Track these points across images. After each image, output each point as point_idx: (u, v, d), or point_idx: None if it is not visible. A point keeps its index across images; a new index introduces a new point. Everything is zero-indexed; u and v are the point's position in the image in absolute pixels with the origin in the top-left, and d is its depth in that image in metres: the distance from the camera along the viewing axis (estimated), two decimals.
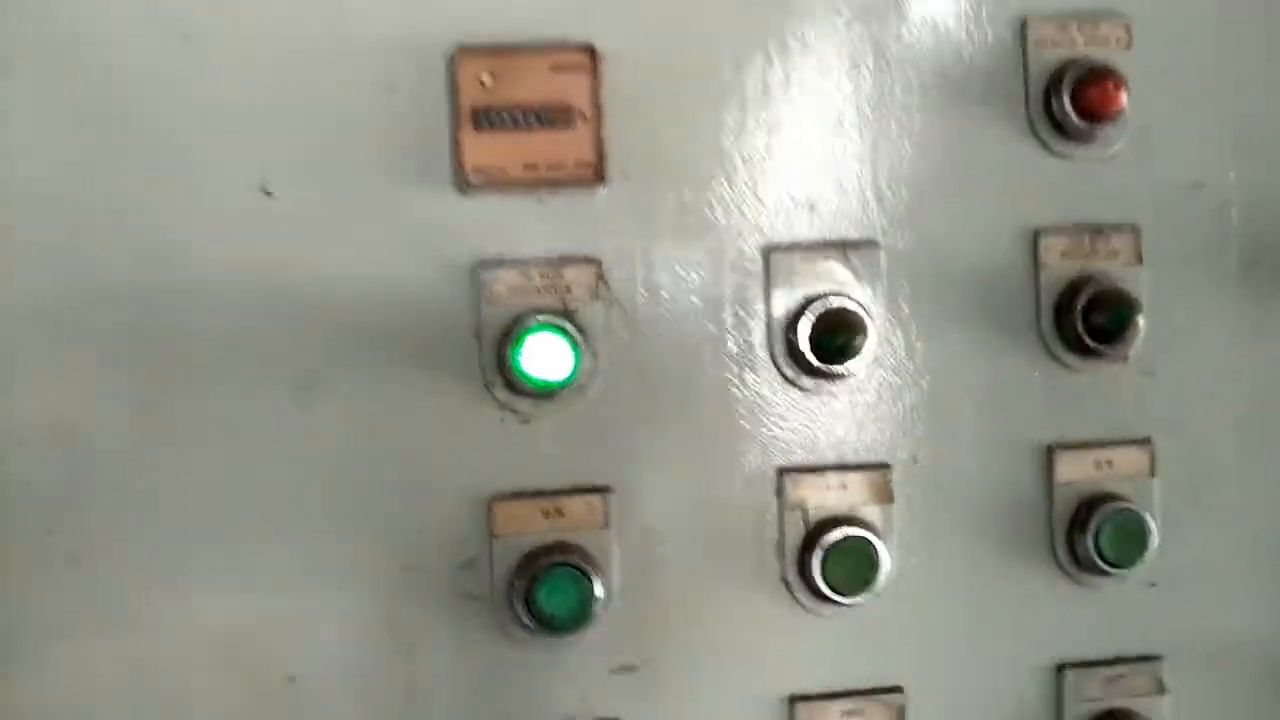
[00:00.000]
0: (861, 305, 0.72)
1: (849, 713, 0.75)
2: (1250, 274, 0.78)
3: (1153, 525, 0.75)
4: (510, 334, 0.69)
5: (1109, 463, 0.77)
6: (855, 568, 0.73)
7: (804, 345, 0.72)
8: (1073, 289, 0.75)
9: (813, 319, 0.71)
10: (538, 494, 0.71)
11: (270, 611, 0.69)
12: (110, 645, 0.67)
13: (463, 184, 0.69)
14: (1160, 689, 0.78)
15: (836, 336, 0.71)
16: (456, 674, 0.71)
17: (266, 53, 0.68)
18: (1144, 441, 0.77)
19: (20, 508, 0.66)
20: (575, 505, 0.72)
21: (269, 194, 0.67)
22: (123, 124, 0.66)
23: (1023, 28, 0.75)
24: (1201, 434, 0.78)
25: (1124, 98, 0.74)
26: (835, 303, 0.72)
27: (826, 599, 0.73)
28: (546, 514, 0.72)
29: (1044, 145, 0.75)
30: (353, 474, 0.69)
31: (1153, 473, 0.77)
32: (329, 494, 0.69)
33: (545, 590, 0.70)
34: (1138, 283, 0.76)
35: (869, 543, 0.73)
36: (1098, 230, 0.76)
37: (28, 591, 0.66)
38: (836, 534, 0.72)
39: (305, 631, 0.69)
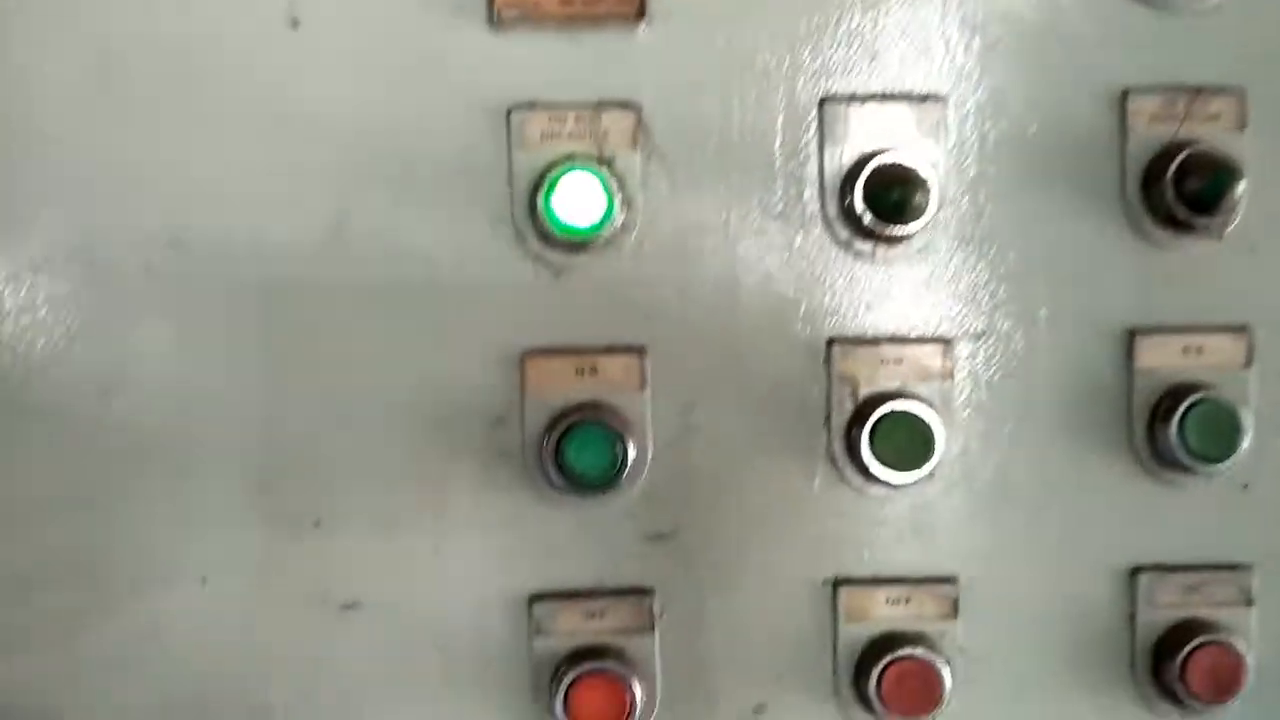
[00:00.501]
0: (924, 162, 0.66)
1: (896, 600, 0.69)
2: None
3: (1246, 418, 0.67)
4: (543, 179, 0.65)
5: (1198, 350, 0.68)
6: (906, 443, 0.66)
7: (859, 202, 0.65)
8: (1165, 155, 0.67)
9: (869, 173, 0.65)
10: (572, 351, 0.67)
11: (297, 458, 0.67)
12: None
13: (495, 19, 0.65)
14: (1247, 600, 0.69)
15: (893, 191, 0.64)
16: (486, 532, 0.68)
17: None
18: (1240, 329, 0.68)
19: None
20: (610, 364, 0.67)
21: (296, 25, 0.65)
22: None
23: None
24: None
25: None
26: (894, 157, 0.65)
27: (875, 478, 0.67)
28: (580, 372, 0.67)
29: None
30: (381, 323, 0.67)
31: (1248, 362, 0.68)
32: (357, 341, 0.67)
33: (575, 447, 0.66)
34: (1239, 150, 0.67)
35: (921, 419, 0.66)
36: (1196, 91, 0.68)
37: None
38: (887, 407, 0.66)
39: (334, 478, 0.67)
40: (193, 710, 0.67)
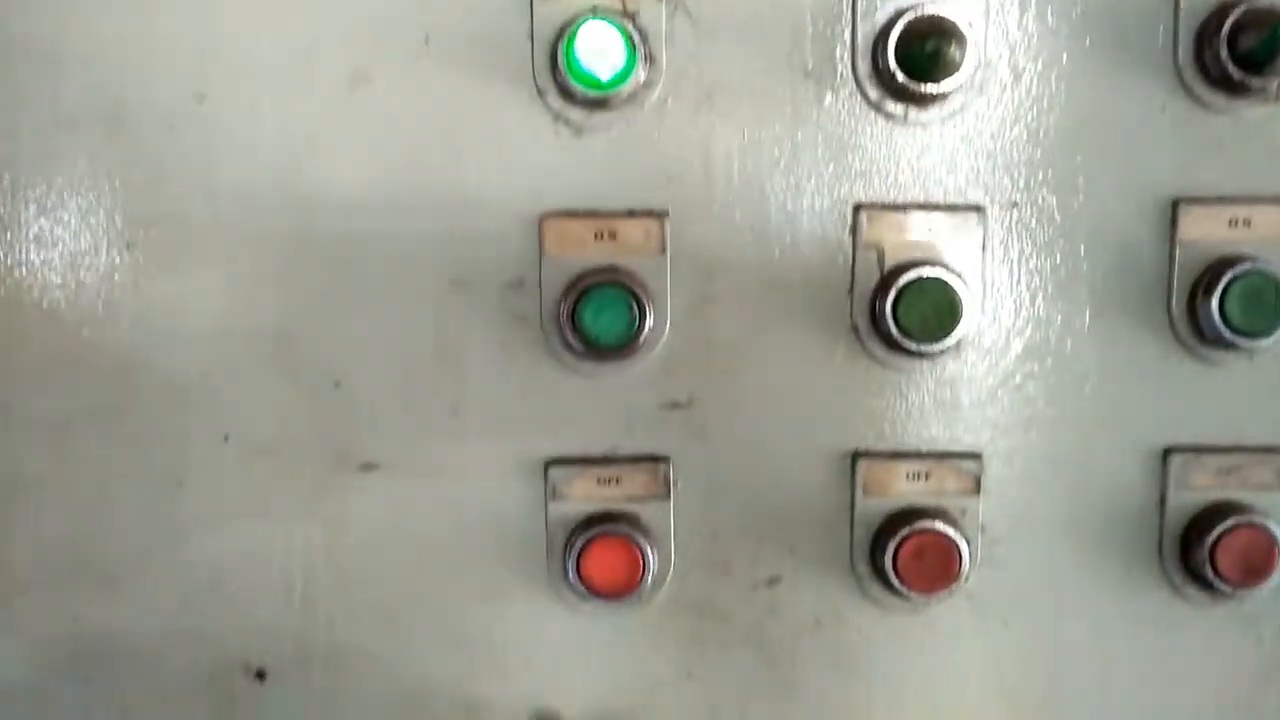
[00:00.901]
0: (961, 16, 0.61)
1: (916, 475, 0.66)
2: None
3: None
4: (563, 31, 0.62)
5: (1246, 221, 0.64)
6: (932, 313, 0.63)
7: (891, 57, 0.61)
8: (1219, 11, 0.62)
9: (904, 26, 0.61)
10: (591, 215, 0.65)
11: (316, 319, 0.66)
12: None
13: None
14: None
15: (927, 43, 0.60)
16: (503, 395, 0.66)
17: None
18: None
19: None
20: (630, 228, 0.65)
21: None
22: None
23: None
24: None
25: None
26: (930, 8, 0.61)
27: (899, 347, 0.64)
28: (599, 236, 0.65)
29: None
30: (399, 179, 0.65)
31: None
32: (375, 201, 0.65)
33: (592, 310, 0.63)
34: None
35: (948, 285, 0.63)
36: None
37: None
38: (913, 274, 0.63)
39: (352, 340, 0.66)
40: (212, 569, 0.67)
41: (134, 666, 0.67)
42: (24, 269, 0.64)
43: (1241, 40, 0.61)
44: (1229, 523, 0.64)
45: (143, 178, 0.64)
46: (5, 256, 0.64)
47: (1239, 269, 0.62)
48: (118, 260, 0.64)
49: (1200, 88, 0.63)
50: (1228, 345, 0.63)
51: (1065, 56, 0.63)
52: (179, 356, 0.65)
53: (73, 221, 0.64)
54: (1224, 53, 0.61)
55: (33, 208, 0.64)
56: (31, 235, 0.64)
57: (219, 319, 0.65)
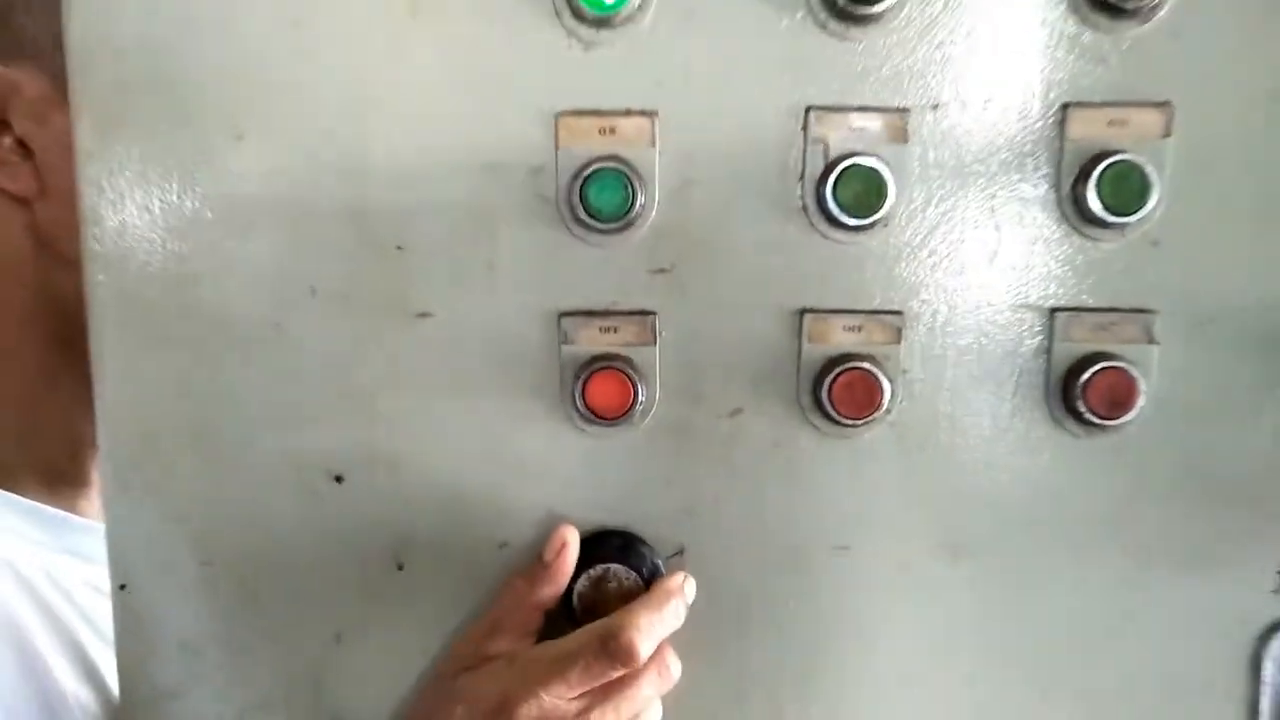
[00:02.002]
0: None
1: (850, 328, 0.79)
2: None
3: (1155, 178, 0.74)
4: None
5: (1123, 122, 0.75)
6: (864, 191, 0.75)
7: None
8: None
9: None
10: (596, 114, 0.77)
11: (382, 193, 0.79)
12: None
13: None
14: (1150, 339, 0.77)
15: None
16: (529, 256, 0.78)
17: None
18: (1162, 104, 0.75)
19: None
20: (627, 125, 0.77)
21: None
22: None
23: None
24: (1225, 101, 0.75)
25: None
26: None
27: (837, 222, 0.76)
28: (602, 131, 0.77)
29: None
30: (450, 82, 0.77)
31: (1167, 133, 0.75)
32: (432, 92, 0.78)
33: (596, 189, 0.76)
34: None
35: (877, 171, 0.75)
36: None
37: None
38: (848, 161, 0.75)
39: (410, 211, 0.79)
40: (305, 393, 0.82)
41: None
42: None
43: None
44: (1098, 366, 0.76)
45: None
46: None
47: (1112, 159, 0.74)
48: None
49: (1089, 11, 0.74)
50: (1104, 224, 0.75)
51: None
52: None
53: None
54: None
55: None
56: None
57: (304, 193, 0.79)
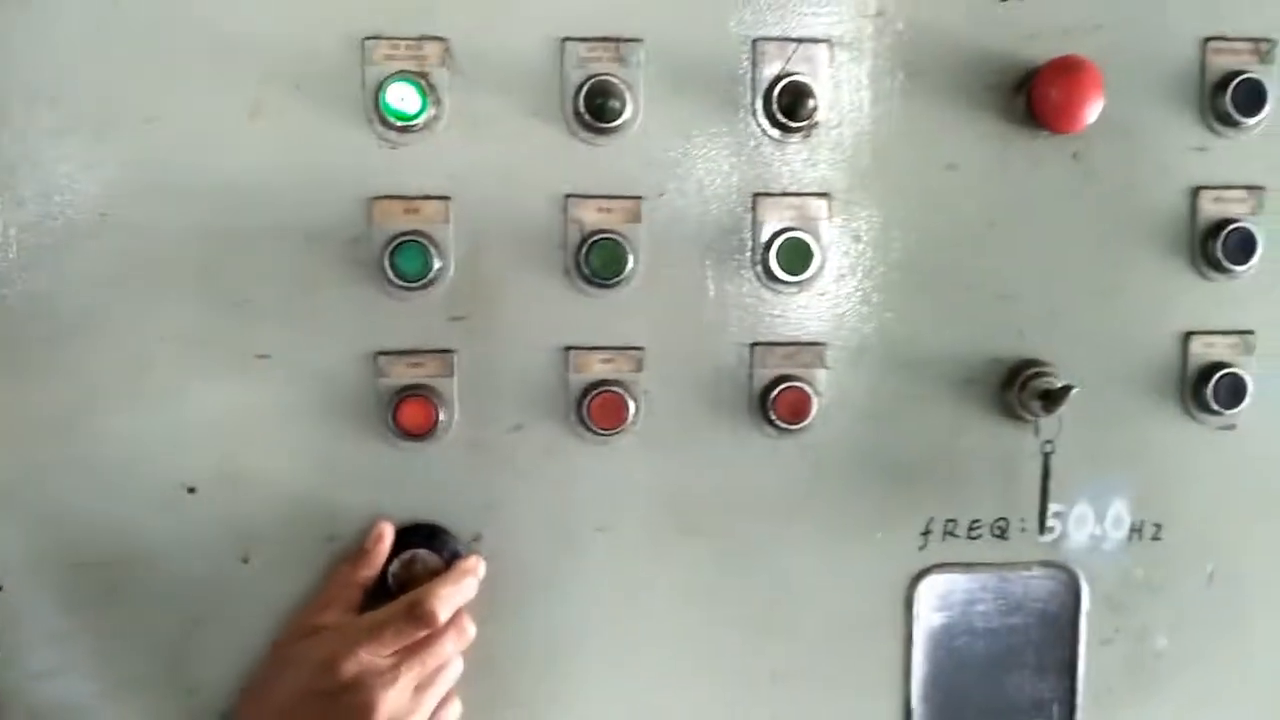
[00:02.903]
0: (620, 84, 0.97)
1: (605, 360, 1.01)
2: None
3: (816, 247, 1.00)
4: (382, 83, 0.95)
5: (797, 208, 1.01)
6: (609, 258, 0.97)
7: (581, 103, 0.96)
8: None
9: (587, 89, 0.96)
10: (401, 197, 0.97)
11: (236, 259, 0.97)
12: None
13: None
14: (823, 365, 1.03)
15: (603, 99, 0.96)
16: (351, 308, 0.96)
17: None
18: (825, 195, 1.02)
19: None
20: (427, 206, 0.97)
21: None
22: None
23: None
24: (871, 191, 1.02)
25: None
26: (599, 72, 0.96)
27: (591, 281, 0.99)
28: (407, 211, 0.97)
29: None
30: (287, 174, 0.96)
31: (830, 215, 1.01)
32: (272, 179, 0.96)
33: (402, 256, 0.96)
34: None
35: (619, 243, 0.98)
36: None
37: None
38: (597, 236, 0.98)
39: (256, 273, 0.97)
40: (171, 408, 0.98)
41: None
42: None
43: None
44: (783, 386, 1.01)
45: None
46: None
47: (785, 236, 0.99)
48: None
49: (769, 124, 1.00)
50: (782, 281, 1.01)
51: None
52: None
53: None
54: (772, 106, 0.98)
55: None
56: None
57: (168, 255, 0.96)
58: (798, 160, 1.01)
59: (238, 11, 0.94)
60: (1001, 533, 1.07)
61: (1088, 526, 1.09)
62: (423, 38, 0.96)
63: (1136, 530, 1.09)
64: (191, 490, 0.99)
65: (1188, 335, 1.06)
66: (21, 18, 0.92)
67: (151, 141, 0.95)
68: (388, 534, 0.98)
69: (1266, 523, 1.10)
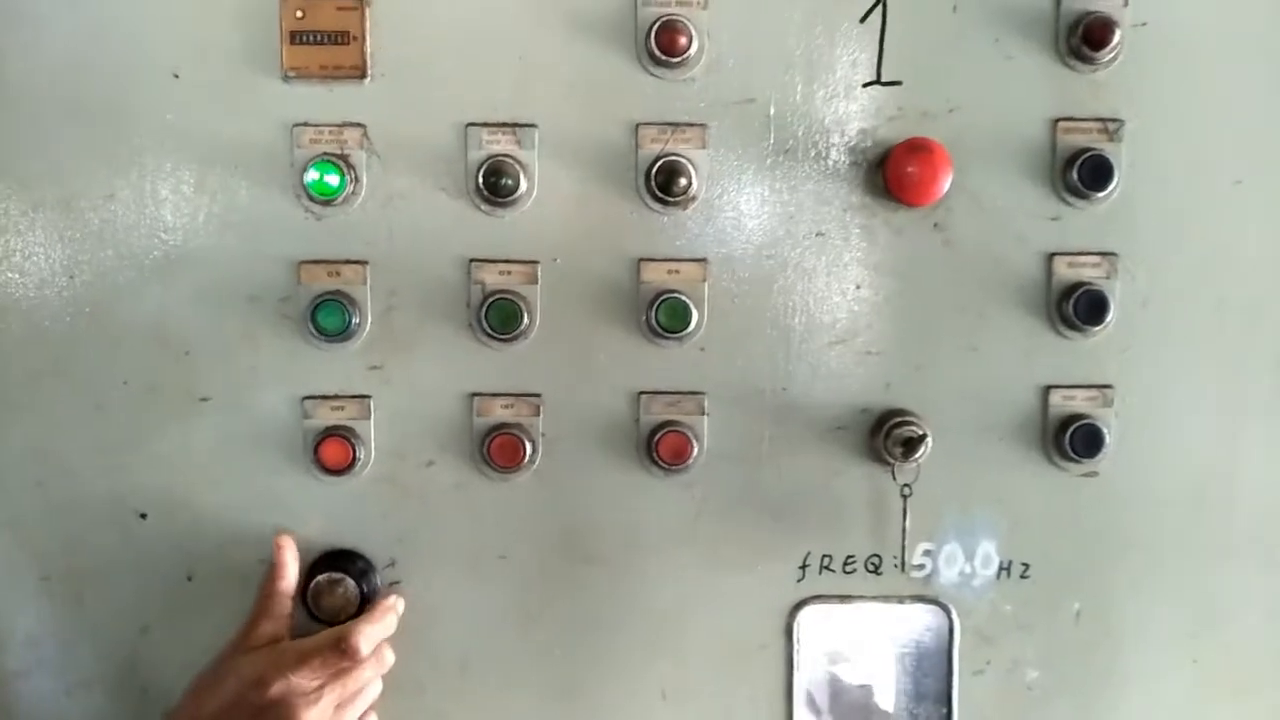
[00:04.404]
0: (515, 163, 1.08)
1: (506, 405, 1.12)
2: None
3: (693, 309, 1.09)
4: (308, 162, 1.07)
5: (676, 271, 1.11)
6: (508, 315, 1.08)
7: (479, 182, 1.08)
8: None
9: (487, 168, 1.07)
10: (325, 262, 1.09)
11: (185, 318, 1.10)
12: None
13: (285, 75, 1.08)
14: (703, 412, 1.13)
15: (497, 176, 1.07)
16: (281, 359, 1.09)
17: None
18: (701, 260, 1.11)
19: None
20: (347, 269, 1.09)
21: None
22: None
23: None
24: (744, 260, 1.12)
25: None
26: (497, 151, 1.08)
27: (492, 335, 1.10)
28: (330, 274, 1.09)
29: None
30: (232, 242, 1.09)
31: (704, 278, 1.11)
32: (220, 248, 1.10)
33: (323, 314, 1.09)
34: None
35: (516, 303, 1.09)
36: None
37: None
38: (497, 295, 1.09)
39: (199, 329, 1.11)
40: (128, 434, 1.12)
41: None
42: None
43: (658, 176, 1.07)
44: (665, 430, 1.11)
45: None
46: None
47: (666, 296, 1.09)
48: None
49: (651, 198, 1.10)
50: (665, 336, 1.10)
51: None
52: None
53: None
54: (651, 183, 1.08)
55: None
56: None
57: (124, 313, 1.10)
58: (677, 229, 1.11)
59: (185, 105, 1.07)
60: (875, 568, 1.15)
61: (958, 564, 1.16)
62: (344, 124, 1.08)
63: (1005, 569, 1.15)
64: (143, 516, 1.12)
65: (1048, 389, 1.13)
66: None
67: (111, 215, 1.08)
68: (287, 545, 1.09)
69: (1130, 565, 1.16)
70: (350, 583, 1.10)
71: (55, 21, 1.06)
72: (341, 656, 1.03)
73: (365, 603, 1.10)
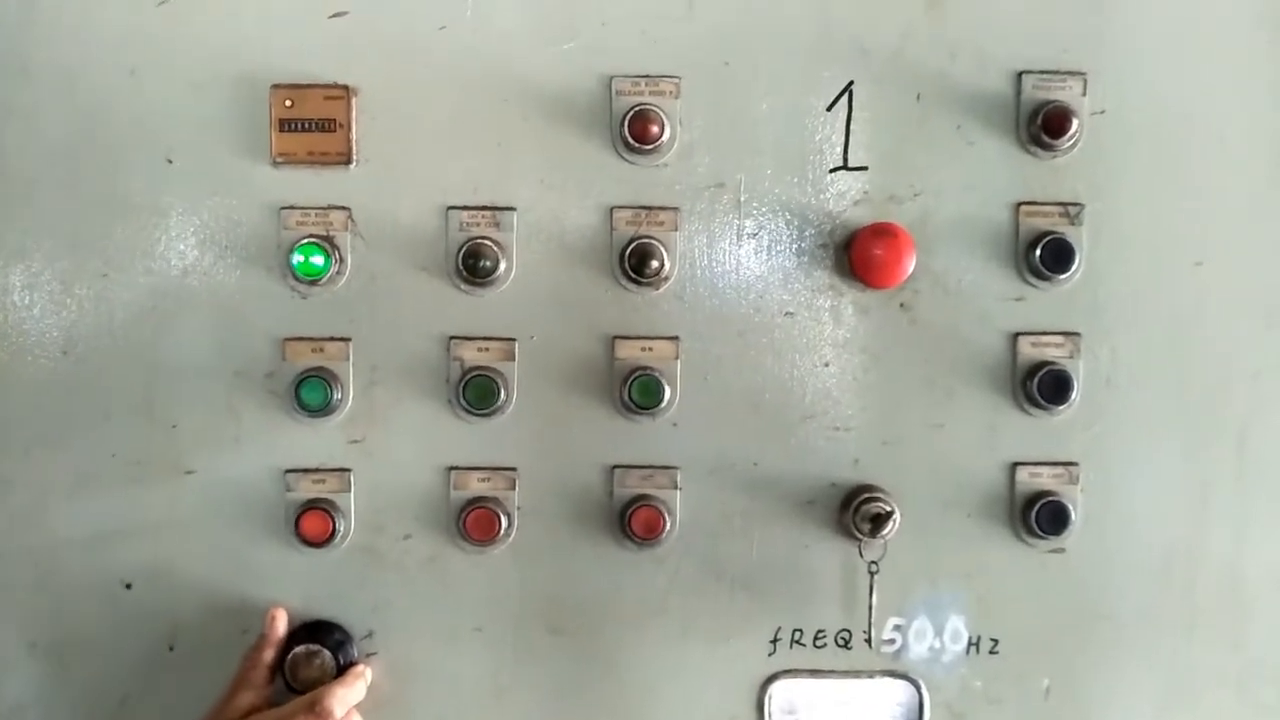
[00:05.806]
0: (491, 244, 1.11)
1: (482, 479, 1.13)
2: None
3: (666, 385, 1.11)
4: (293, 246, 1.10)
5: (650, 349, 1.13)
6: (485, 392, 1.11)
7: (458, 263, 1.10)
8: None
9: (464, 250, 1.10)
10: (309, 339, 1.12)
11: (169, 390, 1.13)
12: None
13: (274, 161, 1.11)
14: (675, 485, 1.14)
15: (474, 260, 1.10)
16: (264, 432, 1.12)
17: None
18: (674, 338, 1.13)
19: None
20: (330, 346, 1.12)
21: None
22: None
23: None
24: (715, 339, 1.13)
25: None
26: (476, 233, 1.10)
27: (470, 411, 1.12)
28: (313, 350, 1.12)
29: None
30: (208, 317, 1.12)
31: (676, 356, 1.13)
32: (210, 323, 1.12)
33: (306, 389, 1.11)
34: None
35: (493, 379, 1.11)
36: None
37: None
38: (475, 372, 1.11)
39: (183, 400, 1.13)
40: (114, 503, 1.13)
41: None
42: None
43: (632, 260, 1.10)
44: (639, 504, 1.12)
45: None
46: None
47: (639, 374, 1.11)
48: None
49: (624, 279, 1.12)
50: (638, 412, 1.12)
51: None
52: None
53: None
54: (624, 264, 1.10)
55: None
56: None
57: (114, 388, 1.12)
58: (650, 308, 1.13)
59: (178, 188, 1.11)
60: (845, 643, 1.15)
61: (927, 639, 1.16)
62: (330, 207, 1.11)
63: (974, 644, 1.16)
64: (128, 586, 1.13)
65: (1014, 465, 1.14)
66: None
67: (107, 293, 1.11)
68: (280, 617, 1.10)
69: (1098, 639, 1.16)
70: (327, 654, 1.11)
71: (53, 108, 1.10)
72: (315, 719, 1.03)
73: (341, 674, 1.10)
